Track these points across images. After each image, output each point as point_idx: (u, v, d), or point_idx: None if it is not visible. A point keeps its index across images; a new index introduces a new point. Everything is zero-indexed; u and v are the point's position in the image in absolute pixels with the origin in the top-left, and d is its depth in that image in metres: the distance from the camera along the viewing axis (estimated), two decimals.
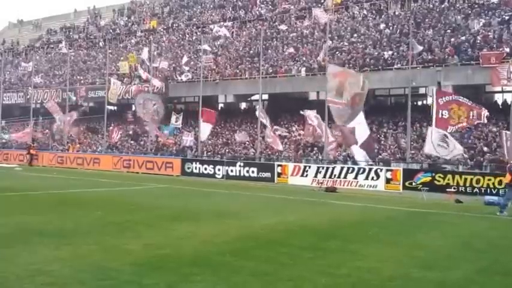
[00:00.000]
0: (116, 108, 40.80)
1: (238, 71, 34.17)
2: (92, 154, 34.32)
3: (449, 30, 28.19)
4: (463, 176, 19.44)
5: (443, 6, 31.12)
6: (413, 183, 20.19)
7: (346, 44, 31.40)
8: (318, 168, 23.03)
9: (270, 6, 41.36)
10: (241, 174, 25.27)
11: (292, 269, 6.90)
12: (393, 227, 11.82)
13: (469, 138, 23.92)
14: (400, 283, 6.49)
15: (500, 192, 18.10)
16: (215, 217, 11.95)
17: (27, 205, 13.46)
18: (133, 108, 36.87)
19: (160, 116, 32.47)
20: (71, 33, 55.39)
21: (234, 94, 34.61)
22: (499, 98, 27.79)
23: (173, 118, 32.38)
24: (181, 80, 36.37)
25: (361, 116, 22.24)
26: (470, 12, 29.22)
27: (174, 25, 46.41)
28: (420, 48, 25.86)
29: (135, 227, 9.94)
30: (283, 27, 36.79)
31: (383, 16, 33.43)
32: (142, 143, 34.71)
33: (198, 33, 41.87)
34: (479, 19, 28.01)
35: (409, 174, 20.62)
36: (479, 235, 10.99)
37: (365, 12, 34.90)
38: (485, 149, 22.78)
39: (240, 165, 25.61)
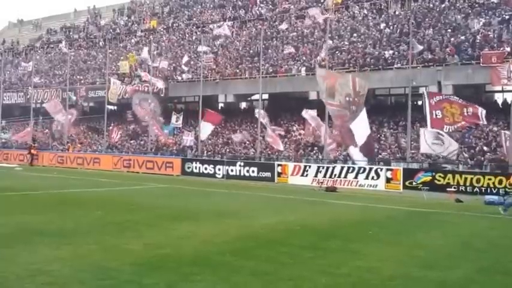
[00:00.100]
0: (115, 108, 40.80)
1: (238, 70, 34.17)
2: (92, 154, 34.32)
3: (449, 30, 28.19)
4: (463, 176, 19.44)
5: (443, 5, 31.11)
6: (414, 183, 20.18)
7: (346, 43, 31.40)
8: (318, 167, 23.03)
9: (270, 6, 41.36)
10: (242, 173, 25.27)
11: (292, 268, 6.89)
12: (393, 226, 11.82)
13: (469, 137, 23.93)
14: (401, 282, 6.48)
15: (500, 192, 18.11)
16: (215, 217, 11.95)
17: (27, 205, 13.46)
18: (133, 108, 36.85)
19: (157, 115, 32.45)
20: (71, 33, 55.39)
21: (234, 94, 34.61)
22: (499, 98, 27.79)
23: (173, 118, 32.38)
24: (182, 79, 36.37)
25: (363, 115, 22.24)
26: (470, 11, 29.21)
27: (174, 25, 46.42)
28: (420, 47, 25.87)
29: (135, 226, 9.94)
30: (283, 26, 36.76)
31: (383, 16, 33.42)
32: (142, 142, 34.71)
33: (198, 32, 41.87)
34: (480, 19, 28.01)
35: (409, 174, 20.62)
36: (480, 234, 10.98)
37: (365, 11, 34.90)
38: (485, 148, 22.78)
39: (240, 165, 25.60)
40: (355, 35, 31.95)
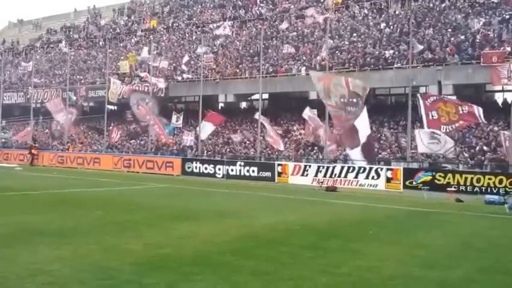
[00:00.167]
0: (116, 107, 40.80)
1: (238, 70, 34.16)
2: (93, 154, 34.33)
3: (449, 30, 28.19)
4: (464, 175, 19.43)
5: (443, 5, 31.12)
6: (414, 183, 20.18)
7: (346, 43, 31.40)
8: (319, 167, 23.02)
9: (270, 6, 41.35)
10: (242, 173, 25.26)
11: (292, 268, 6.89)
12: (394, 226, 11.82)
13: (469, 137, 23.93)
14: (401, 282, 6.47)
15: (500, 192, 18.11)
16: (215, 216, 11.94)
17: (27, 205, 13.46)
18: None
19: (155, 114, 32.39)
20: (71, 33, 55.40)
21: (234, 93, 34.61)
22: (499, 97, 27.78)
23: (174, 117, 32.36)
24: (182, 79, 36.36)
25: (364, 115, 22.26)
26: (470, 11, 29.22)
27: (174, 25, 46.42)
28: (421, 47, 25.87)
29: (135, 226, 9.94)
30: (284, 25, 36.74)
31: (383, 15, 33.43)
32: (142, 142, 34.71)
33: (198, 32, 41.86)
34: (480, 18, 28.01)
35: (409, 174, 20.61)
36: (480, 234, 10.97)
37: (365, 11, 34.91)
38: (485, 148, 22.78)
39: (240, 165, 25.60)
40: (354, 34, 31.96)
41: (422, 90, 28.23)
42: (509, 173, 19.09)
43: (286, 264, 7.08)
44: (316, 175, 22.75)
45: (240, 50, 36.99)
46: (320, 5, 37.63)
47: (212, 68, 35.17)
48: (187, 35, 43.67)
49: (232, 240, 8.84)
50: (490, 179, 18.78)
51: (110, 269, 6.48)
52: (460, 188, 19.14)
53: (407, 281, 6.53)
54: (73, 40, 53.33)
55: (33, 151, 34.76)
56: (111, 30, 51.43)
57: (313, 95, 32.43)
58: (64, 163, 33.65)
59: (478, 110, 19.82)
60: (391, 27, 31.13)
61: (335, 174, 22.18)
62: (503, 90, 26.84)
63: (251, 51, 35.69)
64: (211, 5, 46.31)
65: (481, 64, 24.36)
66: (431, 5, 31.85)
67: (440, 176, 19.78)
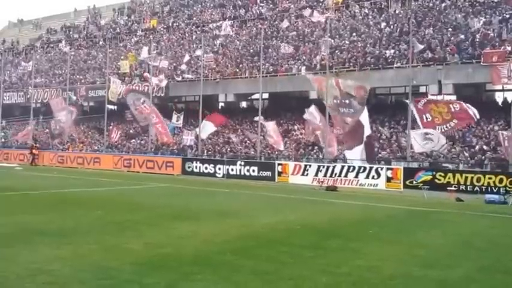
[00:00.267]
0: (116, 107, 40.80)
1: (238, 70, 34.16)
2: (93, 153, 34.33)
3: (449, 29, 28.18)
4: (464, 175, 19.44)
5: (443, 4, 31.10)
6: (414, 182, 20.19)
7: (346, 42, 31.40)
8: (319, 167, 23.02)
9: (271, 5, 41.33)
10: (242, 173, 25.27)
11: (292, 267, 6.89)
12: (394, 225, 11.82)
13: (469, 137, 23.92)
14: (401, 282, 6.47)
15: (500, 191, 18.12)
16: (216, 216, 11.94)
17: (27, 204, 13.46)
18: None
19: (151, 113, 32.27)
20: (71, 33, 55.38)
21: (234, 93, 34.57)
22: (499, 97, 27.77)
23: (174, 117, 32.33)
24: (183, 79, 36.35)
25: (364, 115, 22.29)
26: (470, 10, 29.21)
27: (174, 24, 46.40)
28: (421, 46, 25.85)
29: (135, 226, 9.94)
30: (284, 24, 36.71)
31: (383, 15, 33.40)
32: (143, 142, 34.70)
33: (198, 32, 41.85)
34: (480, 17, 27.99)
35: (409, 173, 20.62)
36: (480, 233, 10.97)
37: (365, 11, 34.89)
38: (485, 147, 22.78)
39: (240, 164, 25.60)
40: (353, 34, 31.94)
41: (422, 89, 28.25)
42: (510, 173, 19.10)
43: (287, 264, 7.08)
44: (316, 175, 22.76)
45: (240, 50, 36.98)
46: (320, 4, 37.60)
47: (212, 68, 35.16)
48: (187, 35, 43.66)
49: (232, 239, 8.84)
50: (490, 178, 18.79)
51: (110, 268, 6.47)
52: (460, 188, 19.15)
53: (407, 280, 6.53)
54: (73, 40, 53.31)
55: (34, 151, 34.78)
56: (111, 30, 51.42)
57: (313, 95, 32.39)
58: (64, 163, 33.66)
59: (470, 108, 20.02)
60: (391, 27, 31.12)
61: (335, 174, 22.19)
62: (503, 90, 26.84)
63: (251, 50, 35.68)
64: (211, 5, 46.29)
65: (481, 63, 24.36)
66: (431, 4, 31.84)
67: (440, 175, 19.79)
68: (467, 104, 20.29)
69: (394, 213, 14.01)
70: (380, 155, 24.34)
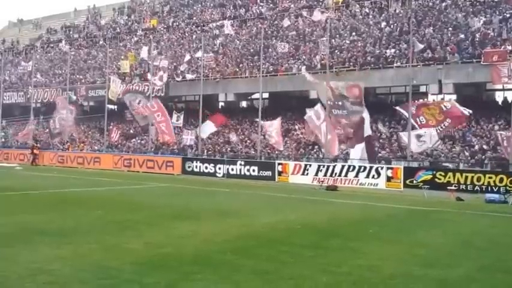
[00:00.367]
0: (116, 107, 40.78)
1: (238, 69, 34.14)
2: (93, 153, 34.33)
3: (450, 28, 28.16)
4: (464, 174, 19.44)
5: (444, 4, 31.06)
6: (414, 181, 20.19)
7: (347, 42, 31.38)
8: (319, 166, 23.02)
9: (271, 5, 41.32)
10: (242, 173, 25.27)
11: (293, 267, 6.89)
12: (394, 225, 11.82)
13: (469, 136, 23.92)
14: (401, 281, 6.47)
15: (501, 190, 18.12)
16: (216, 216, 11.95)
17: (27, 204, 13.47)
18: None
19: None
20: (71, 32, 55.35)
21: (234, 93, 34.54)
22: (499, 96, 27.76)
23: (174, 117, 32.29)
24: (183, 78, 36.33)
25: (364, 115, 22.32)
26: (471, 10, 29.18)
27: (174, 24, 46.38)
28: (421, 46, 25.84)
29: (135, 226, 9.94)
30: (285, 22, 36.68)
31: (384, 14, 33.38)
32: (143, 142, 34.70)
33: (198, 32, 41.83)
34: (480, 17, 27.97)
35: (410, 173, 20.62)
36: (480, 233, 10.97)
37: (366, 10, 34.87)
38: (485, 147, 22.78)
39: (240, 164, 25.60)
40: (353, 33, 31.92)
41: (422, 89, 28.25)
42: (510, 172, 19.11)
43: (287, 264, 7.08)
44: (316, 174, 22.76)
45: (240, 49, 36.97)
46: (320, 4, 37.58)
47: (212, 67, 35.14)
48: (187, 35, 43.65)
49: (232, 239, 8.84)
50: (490, 177, 18.80)
51: (110, 268, 6.48)
52: (461, 187, 19.15)
53: (407, 280, 6.53)
54: (73, 39, 53.28)
55: (35, 151, 34.79)
56: (111, 29, 51.39)
57: (313, 94, 32.41)
58: (64, 163, 33.66)
59: (457, 106, 20.29)
60: (392, 26, 31.11)
61: (335, 173, 22.19)
62: (503, 89, 26.83)
63: (251, 50, 35.67)
64: (212, 4, 46.25)
65: (482, 63, 24.33)
66: (431, 3, 31.81)
67: (440, 174, 19.79)
68: (455, 102, 20.58)
69: (394, 213, 14.01)
70: (380, 155, 24.33)
